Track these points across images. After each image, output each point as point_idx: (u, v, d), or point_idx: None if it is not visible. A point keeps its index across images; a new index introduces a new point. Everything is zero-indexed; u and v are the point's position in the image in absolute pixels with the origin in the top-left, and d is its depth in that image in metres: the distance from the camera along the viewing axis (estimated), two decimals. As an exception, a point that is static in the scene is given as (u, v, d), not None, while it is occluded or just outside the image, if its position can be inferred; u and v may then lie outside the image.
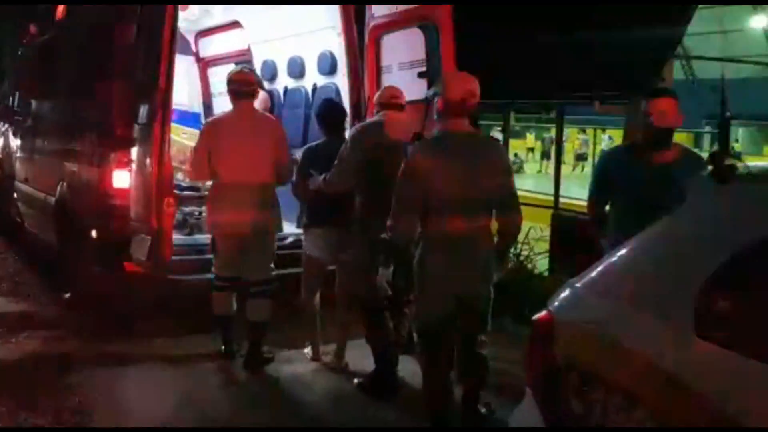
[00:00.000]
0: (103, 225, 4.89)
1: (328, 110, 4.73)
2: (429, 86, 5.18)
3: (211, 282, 4.54)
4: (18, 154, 7.73)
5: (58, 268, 6.01)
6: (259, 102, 6.77)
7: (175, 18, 4.42)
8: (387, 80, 5.55)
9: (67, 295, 5.71)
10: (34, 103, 7.13)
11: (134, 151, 4.57)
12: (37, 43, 7.52)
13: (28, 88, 7.09)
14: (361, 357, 4.36)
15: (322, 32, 6.12)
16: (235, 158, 4.36)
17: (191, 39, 8.07)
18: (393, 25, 5.38)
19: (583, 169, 20.47)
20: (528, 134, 23.19)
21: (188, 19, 7.29)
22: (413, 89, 5.10)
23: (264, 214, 4.41)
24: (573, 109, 11.96)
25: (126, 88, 4.68)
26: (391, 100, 4.34)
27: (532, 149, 22.52)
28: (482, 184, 3.25)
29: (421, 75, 5.20)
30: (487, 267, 3.32)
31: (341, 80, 5.91)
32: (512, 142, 15.79)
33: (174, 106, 6.78)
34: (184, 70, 7.76)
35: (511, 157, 12.14)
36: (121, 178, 4.65)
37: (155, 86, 4.34)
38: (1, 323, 5.25)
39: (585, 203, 4.03)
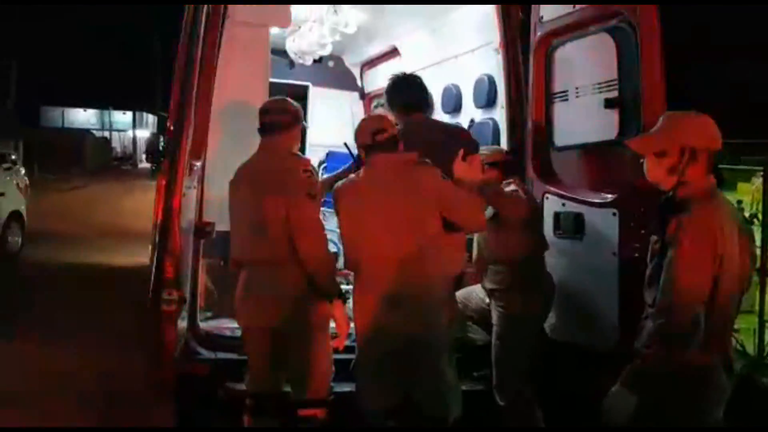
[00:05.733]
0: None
1: None
2: (622, 119, 3.39)
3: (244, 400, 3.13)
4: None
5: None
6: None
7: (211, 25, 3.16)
8: (561, 111, 3.82)
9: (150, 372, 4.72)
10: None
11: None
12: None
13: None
14: None
15: (480, 51, 4.56)
16: (236, 224, 3.14)
17: (356, 72, 7.08)
18: (570, 30, 3.65)
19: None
20: (754, 179, 18.87)
21: (350, 48, 6.36)
22: (599, 124, 3.50)
23: (291, 301, 2.97)
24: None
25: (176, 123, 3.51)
26: None
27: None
28: None
29: (609, 103, 3.41)
30: None
31: (499, 113, 4.28)
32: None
33: (332, 149, 5.81)
34: (345, 107, 7.02)
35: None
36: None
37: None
38: (69, 406, 4.32)
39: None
